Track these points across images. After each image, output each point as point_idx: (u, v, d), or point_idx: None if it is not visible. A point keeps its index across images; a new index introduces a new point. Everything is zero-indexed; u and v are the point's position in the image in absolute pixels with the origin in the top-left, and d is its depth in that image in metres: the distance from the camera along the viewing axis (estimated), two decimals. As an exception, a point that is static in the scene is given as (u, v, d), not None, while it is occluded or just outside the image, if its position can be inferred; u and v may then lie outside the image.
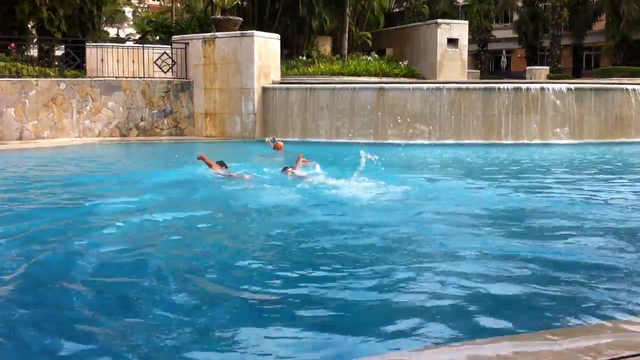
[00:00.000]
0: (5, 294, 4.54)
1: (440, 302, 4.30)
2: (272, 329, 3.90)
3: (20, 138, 15.99)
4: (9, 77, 16.86)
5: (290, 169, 10.00)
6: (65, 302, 4.39)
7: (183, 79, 18.32)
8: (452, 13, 40.04)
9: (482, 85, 16.91)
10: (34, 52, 26.07)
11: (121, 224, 6.68)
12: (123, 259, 5.53)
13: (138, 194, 8.54)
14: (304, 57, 24.60)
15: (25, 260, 5.30)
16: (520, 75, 34.21)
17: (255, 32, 17.66)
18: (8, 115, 15.94)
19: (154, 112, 17.77)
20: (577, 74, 42.18)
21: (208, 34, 18.50)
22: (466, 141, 16.12)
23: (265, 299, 4.47)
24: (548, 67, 35.38)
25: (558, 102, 16.22)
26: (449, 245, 5.69)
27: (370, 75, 21.79)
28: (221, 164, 10.10)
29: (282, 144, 13.87)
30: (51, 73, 18.51)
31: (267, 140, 13.70)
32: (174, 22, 32.00)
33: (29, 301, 4.42)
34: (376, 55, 24.44)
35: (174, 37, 19.48)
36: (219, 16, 19.66)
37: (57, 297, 4.51)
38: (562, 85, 16.81)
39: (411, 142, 16.15)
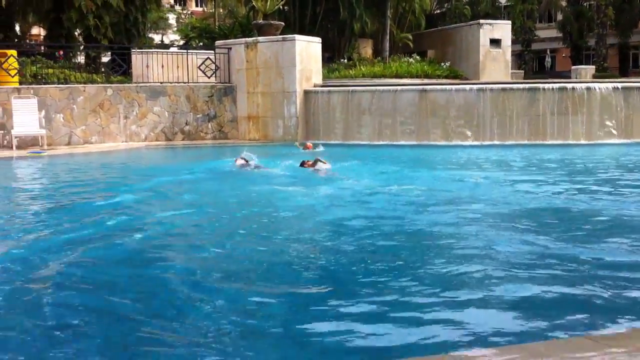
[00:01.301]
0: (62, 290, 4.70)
1: (489, 302, 4.29)
2: (321, 324, 3.95)
3: (69, 143, 16.39)
4: (58, 83, 17.31)
5: (308, 162, 10.97)
6: (106, 297, 4.52)
7: (226, 83, 18.55)
8: (494, 13, 39.67)
9: (527, 86, 16.71)
10: (81, 59, 26.70)
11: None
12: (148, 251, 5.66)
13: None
14: (345, 60, 24.65)
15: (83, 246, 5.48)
16: (565, 75, 33.67)
17: (297, 36, 17.79)
18: (57, 121, 16.36)
19: (198, 116, 18.03)
20: (623, 72, 41.33)
21: (250, 39, 18.69)
22: (510, 142, 15.95)
23: (312, 294, 4.54)
24: (594, 67, 34.75)
25: (605, 101, 15.94)
26: (497, 246, 5.67)
27: (412, 77, 21.72)
28: (246, 159, 11.71)
29: (310, 145, 14.83)
30: (98, 79, 18.94)
31: (297, 144, 14.12)
32: (216, 27, 32.36)
33: (94, 285, 4.57)
34: (417, 57, 24.36)
35: (217, 43, 19.73)
36: (260, 21, 19.82)
37: (102, 285, 4.65)
38: (609, 85, 16.51)
39: (454, 143, 16.08)
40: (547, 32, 47.23)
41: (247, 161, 11.63)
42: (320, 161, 11.01)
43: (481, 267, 5.02)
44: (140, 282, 4.98)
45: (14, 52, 16.98)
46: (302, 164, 11.08)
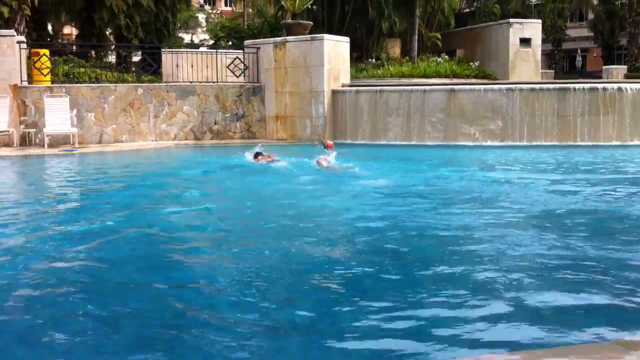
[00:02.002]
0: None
1: (518, 306, 4.28)
2: (345, 327, 3.98)
3: (99, 142, 16.62)
4: (89, 82, 17.56)
5: (323, 158, 11.35)
6: (140, 292, 4.60)
7: (255, 83, 18.66)
8: (524, 12, 39.25)
9: (557, 86, 16.54)
10: (112, 58, 27.05)
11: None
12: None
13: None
14: (373, 60, 24.62)
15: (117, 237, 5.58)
16: (597, 75, 33.26)
17: (325, 36, 17.82)
18: (88, 120, 16.59)
19: (226, 115, 18.16)
20: (657, 72, 40.64)
21: (279, 39, 18.77)
22: (539, 143, 15.81)
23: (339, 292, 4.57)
24: (626, 66, 34.26)
25: (637, 102, 15.72)
26: (527, 249, 5.65)
27: (440, 76, 21.64)
28: (262, 155, 12.30)
29: (331, 142, 14.81)
30: (129, 79, 19.17)
31: (316, 144, 14.21)
32: (245, 27, 32.54)
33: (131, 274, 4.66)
34: (446, 57, 24.26)
35: (246, 42, 19.84)
36: (289, 20, 19.90)
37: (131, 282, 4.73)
38: (641, 85, 16.28)
39: (482, 143, 15.99)
40: (578, 31, 46.68)
41: (260, 155, 12.22)
42: (326, 159, 11.32)
43: (510, 270, 5.00)
44: (155, 283, 5.05)
45: (46, 52, 17.25)
46: (318, 163, 11.36)
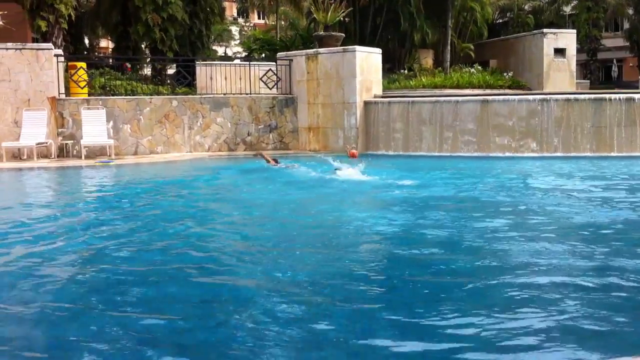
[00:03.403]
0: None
1: (553, 318, 4.26)
2: (375, 337, 3.99)
3: (135, 153, 16.87)
4: (125, 95, 17.86)
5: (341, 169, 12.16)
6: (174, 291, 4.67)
7: (287, 94, 18.78)
8: (558, 22, 38.90)
9: (592, 96, 16.34)
10: (147, 71, 27.45)
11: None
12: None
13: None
14: (406, 71, 24.63)
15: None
16: (633, 85, 32.78)
17: (357, 47, 17.87)
18: (124, 132, 16.86)
19: (259, 127, 18.30)
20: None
21: (311, 50, 18.89)
22: (574, 154, 15.63)
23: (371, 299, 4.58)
24: (663, 76, 33.71)
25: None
26: (563, 261, 5.61)
27: (473, 87, 21.56)
28: (275, 160, 14.01)
29: (355, 152, 16.17)
30: (164, 91, 19.44)
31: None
32: (278, 39, 32.78)
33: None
34: (479, 67, 24.15)
35: (279, 54, 20.00)
36: (321, 32, 20.02)
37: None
38: (679, 95, 16.00)
39: (516, 155, 15.87)
40: (613, 41, 46.05)
41: (276, 161, 13.95)
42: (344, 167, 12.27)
43: (546, 282, 4.97)
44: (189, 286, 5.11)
45: (83, 65, 17.63)
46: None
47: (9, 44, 16.15)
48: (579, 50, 28.95)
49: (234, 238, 7.04)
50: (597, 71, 45.27)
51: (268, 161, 13.92)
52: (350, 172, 11.92)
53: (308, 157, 15.77)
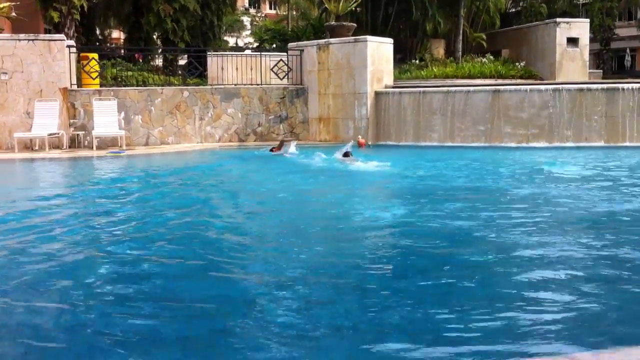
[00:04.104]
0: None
1: (572, 308, 4.26)
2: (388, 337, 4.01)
3: (146, 144, 16.94)
4: (136, 86, 17.91)
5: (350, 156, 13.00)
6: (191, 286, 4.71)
7: (298, 85, 18.77)
8: (571, 12, 38.56)
9: (604, 86, 16.23)
10: (159, 61, 27.51)
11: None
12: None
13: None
14: (417, 61, 24.51)
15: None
16: (647, 75, 32.48)
17: (369, 37, 17.82)
18: (135, 122, 16.93)
19: (270, 117, 18.32)
20: None
21: (322, 41, 18.85)
22: (586, 144, 15.54)
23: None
24: (677, 65, 33.36)
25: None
26: (579, 254, 5.60)
27: (485, 77, 21.42)
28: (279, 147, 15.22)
29: (363, 141, 16.56)
30: (175, 82, 19.48)
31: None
32: (289, 29, 32.73)
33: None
34: (491, 57, 24.00)
35: (290, 45, 19.98)
36: (333, 23, 19.98)
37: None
38: (693, 84, 15.85)
39: (528, 145, 15.80)
40: (626, 31, 45.62)
41: (280, 149, 15.05)
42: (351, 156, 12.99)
43: (562, 273, 4.97)
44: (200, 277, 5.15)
45: (95, 55, 17.68)
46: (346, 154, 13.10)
47: (22, 35, 16.23)
48: (592, 40, 28.69)
49: (246, 229, 7.08)
50: (610, 61, 44.89)
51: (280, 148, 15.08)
52: (358, 163, 12.35)
53: (322, 148, 15.80)
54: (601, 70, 35.87)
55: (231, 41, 50.54)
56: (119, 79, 18.52)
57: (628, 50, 47.90)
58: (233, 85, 18.31)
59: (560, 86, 16.32)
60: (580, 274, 4.93)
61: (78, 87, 16.90)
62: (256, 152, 15.55)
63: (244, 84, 18.44)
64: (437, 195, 8.90)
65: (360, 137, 16.84)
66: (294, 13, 42.60)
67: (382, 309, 4.28)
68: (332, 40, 18.38)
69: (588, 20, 25.53)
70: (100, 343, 3.79)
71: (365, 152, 15.09)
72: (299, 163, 13.39)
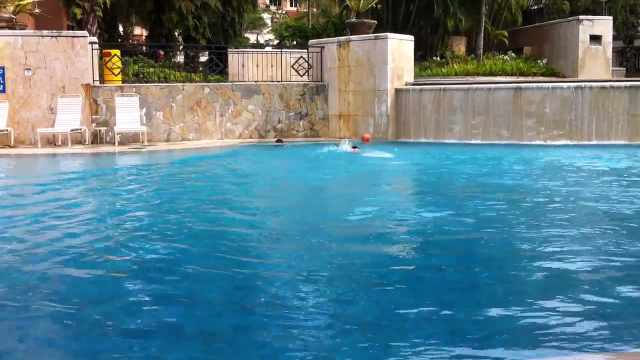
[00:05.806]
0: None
1: (587, 308, 4.24)
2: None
3: (167, 140, 17.05)
4: (158, 82, 18.03)
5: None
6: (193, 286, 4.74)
7: (318, 82, 18.79)
8: (594, 9, 38.13)
9: (627, 84, 16.06)
10: (180, 58, 27.65)
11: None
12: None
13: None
14: (438, 58, 24.40)
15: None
16: (671, 73, 32.07)
17: (389, 34, 17.79)
18: (157, 119, 17.05)
19: (290, 114, 18.35)
20: None
21: (343, 38, 18.85)
22: (608, 142, 15.40)
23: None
24: (702, 63, 32.91)
25: None
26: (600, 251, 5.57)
27: (506, 74, 21.28)
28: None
29: (368, 136, 17.04)
30: (196, 78, 19.59)
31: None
32: (310, 26, 32.72)
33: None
34: (513, 54, 23.83)
35: (310, 42, 20.00)
36: (353, 20, 19.94)
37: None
38: None
39: (549, 143, 15.68)
40: (651, 28, 45.02)
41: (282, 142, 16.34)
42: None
43: (584, 271, 4.94)
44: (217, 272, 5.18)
45: (117, 52, 17.82)
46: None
47: (45, 32, 16.40)
48: (615, 37, 28.36)
49: (263, 223, 7.11)
50: (633, 58, 44.32)
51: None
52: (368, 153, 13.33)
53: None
54: (624, 68, 35.47)
55: (252, 38, 50.69)
56: (141, 76, 18.65)
57: (652, 48, 47.27)
58: (253, 82, 18.37)
59: (583, 84, 16.17)
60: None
61: (100, 83, 17.05)
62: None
63: (265, 81, 18.50)
64: (479, 193, 8.87)
65: (368, 134, 17.32)
66: (315, 10, 42.58)
67: (401, 306, 4.29)
68: (352, 37, 18.37)
69: (611, 17, 25.26)
70: (121, 337, 3.83)
71: (367, 146, 15.45)
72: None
